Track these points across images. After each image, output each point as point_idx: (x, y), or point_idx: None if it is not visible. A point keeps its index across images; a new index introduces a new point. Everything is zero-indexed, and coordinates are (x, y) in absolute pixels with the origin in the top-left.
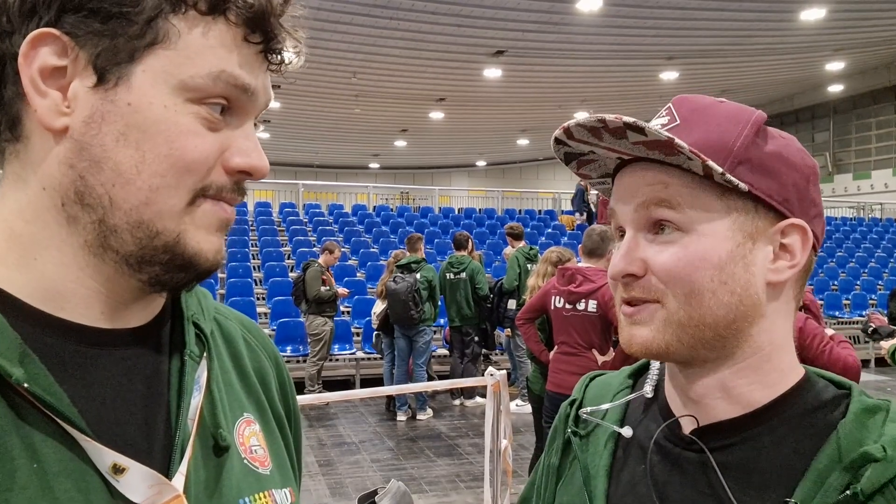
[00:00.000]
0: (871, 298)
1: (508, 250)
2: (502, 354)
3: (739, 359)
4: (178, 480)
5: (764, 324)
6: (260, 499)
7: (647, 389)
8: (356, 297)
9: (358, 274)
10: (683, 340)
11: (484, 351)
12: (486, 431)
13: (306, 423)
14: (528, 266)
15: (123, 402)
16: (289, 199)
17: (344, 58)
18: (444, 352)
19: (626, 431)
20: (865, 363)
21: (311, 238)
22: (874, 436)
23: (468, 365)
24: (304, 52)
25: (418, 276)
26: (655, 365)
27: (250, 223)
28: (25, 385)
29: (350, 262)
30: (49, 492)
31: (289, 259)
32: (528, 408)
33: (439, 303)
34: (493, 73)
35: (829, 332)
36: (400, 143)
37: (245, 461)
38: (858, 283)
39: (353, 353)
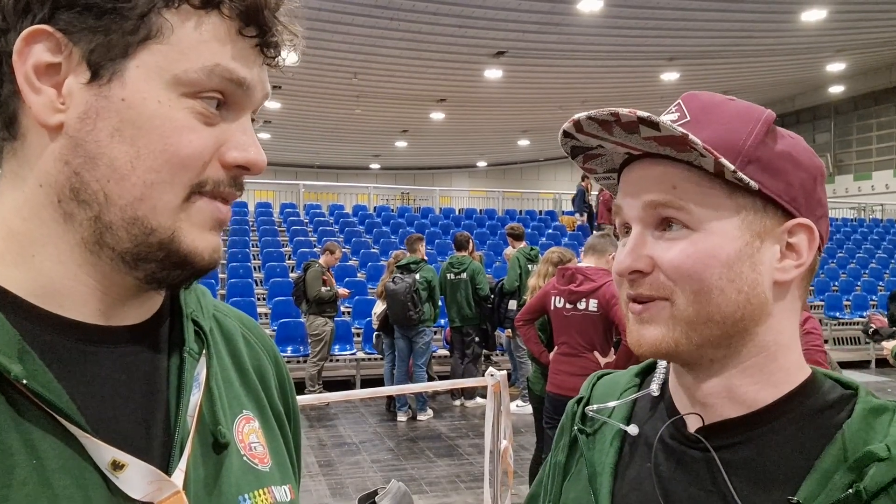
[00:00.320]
0: (871, 299)
1: (509, 251)
2: (503, 355)
3: (745, 358)
4: (178, 477)
5: (770, 323)
6: (259, 495)
7: (654, 388)
8: (357, 297)
9: (358, 274)
10: (692, 338)
11: (484, 351)
12: (487, 432)
13: (307, 424)
14: (529, 267)
15: (122, 398)
16: (289, 200)
17: (345, 58)
18: (445, 352)
19: (632, 429)
20: (866, 364)
21: (312, 238)
22: (880, 436)
23: (469, 365)
24: (302, 46)
25: (417, 276)
26: (662, 364)
27: (251, 223)
28: (24, 381)
29: (351, 262)
30: (48, 488)
31: (289, 259)
32: (528, 408)
33: (440, 303)
34: (493, 73)
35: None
36: (401, 144)
37: (244, 458)
38: (859, 284)
39: (354, 354)
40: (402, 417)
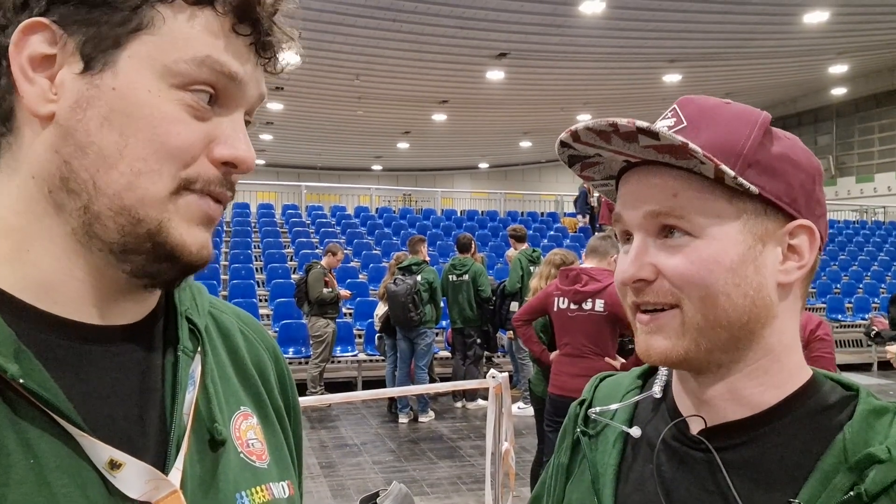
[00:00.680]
0: (873, 302)
1: (511, 252)
2: (504, 357)
3: (751, 360)
4: (175, 476)
5: (775, 324)
6: (257, 492)
7: (656, 390)
8: (358, 298)
9: (360, 276)
10: (701, 345)
11: (486, 353)
12: (488, 434)
13: (308, 425)
14: (531, 268)
15: (118, 397)
16: (291, 201)
17: (347, 60)
18: (446, 354)
19: (635, 431)
20: (867, 367)
21: (314, 240)
22: (881, 437)
23: (470, 367)
24: (300, 49)
25: (419, 278)
26: None
27: (253, 225)
28: (21, 381)
29: (352, 263)
30: (46, 487)
31: (291, 261)
32: (529, 410)
33: (441, 305)
34: (495, 75)
35: None
36: (402, 145)
37: (241, 455)
38: (861, 286)
39: (355, 355)
40: (403, 419)
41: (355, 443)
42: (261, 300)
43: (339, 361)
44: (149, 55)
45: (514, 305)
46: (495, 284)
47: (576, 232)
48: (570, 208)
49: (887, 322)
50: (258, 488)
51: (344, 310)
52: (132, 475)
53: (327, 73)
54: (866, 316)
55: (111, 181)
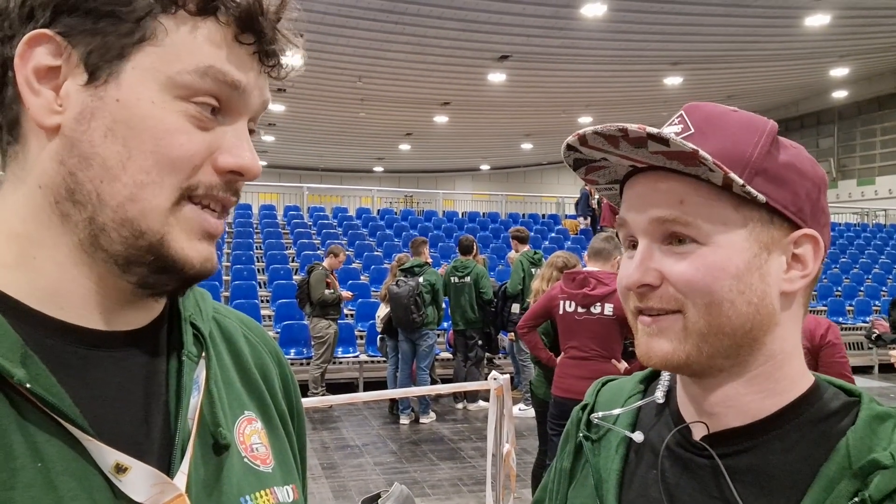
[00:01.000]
0: (874, 305)
1: (513, 254)
2: (506, 358)
3: (753, 367)
4: (180, 479)
5: (777, 332)
6: (261, 497)
7: (659, 395)
8: (360, 300)
9: (362, 277)
10: (703, 350)
11: (487, 355)
12: (489, 435)
13: (309, 426)
14: (533, 270)
15: (123, 402)
16: (293, 203)
17: (349, 62)
18: (448, 355)
19: (638, 436)
20: (869, 370)
21: (316, 241)
22: (884, 443)
23: (471, 368)
24: (304, 55)
25: (421, 279)
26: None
27: (255, 226)
28: (27, 385)
29: (354, 265)
30: (53, 490)
31: (293, 262)
32: (531, 412)
33: (443, 306)
34: (497, 77)
35: None
36: (404, 147)
37: (245, 459)
38: (862, 289)
39: (357, 356)
40: (404, 420)
41: (357, 444)
42: (262, 301)
43: (340, 362)
44: (152, 66)
45: (515, 307)
46: (497, 286)
47: (577, 234)
48: (572, 210)
49: (888, 325)
50: (262, 492)
51: (345, 311)
52: (138, 479)
53: (330, 74)
54: (867, 319)
55: (114, 193)
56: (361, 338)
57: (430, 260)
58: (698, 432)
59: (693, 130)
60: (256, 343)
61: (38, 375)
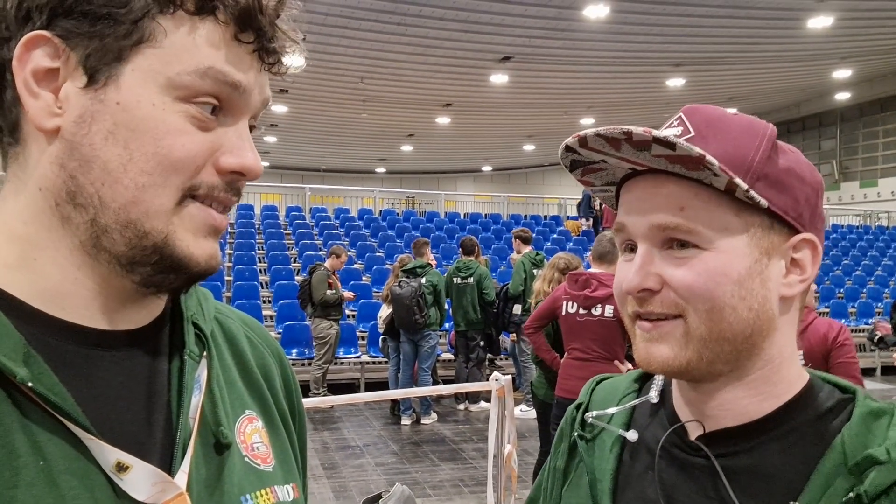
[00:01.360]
0: (877, 307)
1: (515, 256)
2: (507, 359)
3: (751, 371)
4: (181, 478)
5: (776, 336)
6: (261, 496)
7: (653, 395)
8: (361, 300)
9: (363, 278)
10: (704, 356)
11: (489, 356)
12: (491, 436)
13: (311, 427)
14: (534, 271)
15: (125, 401)
16: (295, 203)
17: (351, 63)
18: (449, 356)
19: (632, 436)
20: (871, 372)
21: (318, 242)
22: (879, 439)
23: (473, 369)
24: (303, 52)
25: (423, 280)
26: None
27: (257, 226)
28: (30, 384)
29: (356, 265)
30: (55, 489)
31: (295, 262)
32: (532, 413)
33: (445, 307)
34: (499, 78)
35: None
36: (406, 148)
37: (246, 459)
38: (864, 291)
39: (359, 357)
40: (406, 421)
41: (358, 444)
42: (264, 301)
43: (342, 363)
44: (151, 68)
45: (516, 308)
46: (498, 287)
47: (579, 235)
48: (574, 212)
49: (890, 327)
50: (263, 491)
51: (347, 311)
52: (139, 478)
53: (332, 75)
54: (870, 321)
55: (116, 195)
56: (363, 338)
57: (433, 261)
58: (694, 432)
59: (693, 133)
60: (258, 343)
61: (41, 374)
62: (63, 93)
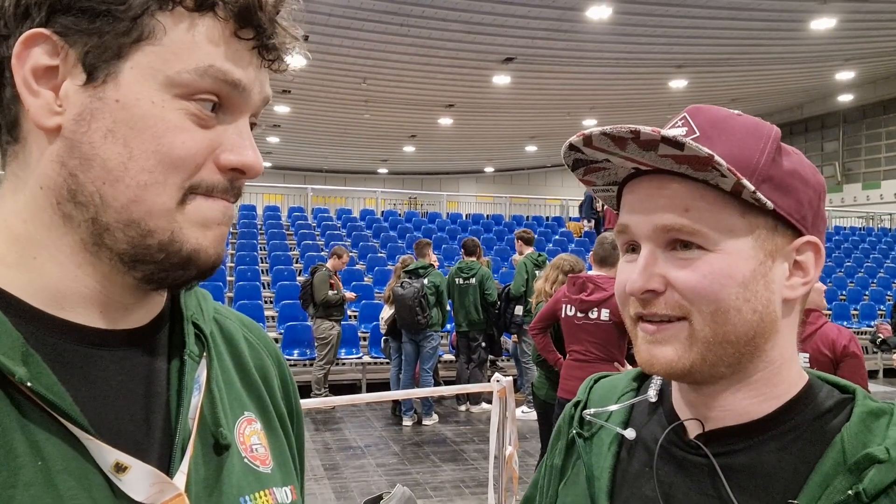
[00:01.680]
0: (879, 309)
1: (517, 257)
2: (509, 360)
3: (752, 373)
4: (180, 479)
5: (777, 339)
6: (260, 497)
7: (651, 394)
8: (363, 301)
9: (365, 279)
10: (707, 359)
11: (490, 357)
12: (492, 437)
13: (312, 427)
14: (536, 272)
15: (124, 401)
16: (298, 204)
17: (354, 63)
18: (451, 357)
19: (630, 434)
20: (873, 374)
21: (320, 242)
22: (878, 439)
23: (474, 370)
24: (303, 49)
25: (425, 281)
26: None
27: (259, 227)
28: (28, 384)
29: (358, 266)
30: (53, 489)
31: (297, 263)
32: (533, 414)
33: (448, 308)
34: (502, 79)
35: None
36: (409, 149)
37: (245, 460)
38: (867, 293)
39: (360, 358)
40: (407, 422)
41: (359, 445)
42: (266, 302)
43: (343, 364)
44: (151, 66)
45: (518, 309)
46: (500, 288)
47: (581, 236)
48: (576, 213)
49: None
50: (261, 493)
51: (349, 312)
52: (137, 478)
53: (334, 76)
54: (872, 323)
55: (117, 194)
56: (364, 339)
57: (435, 262)
58: (693, 431)
59: (698, 133)
60: (256, 344)
61: (39, 374)
62: (63, 91)
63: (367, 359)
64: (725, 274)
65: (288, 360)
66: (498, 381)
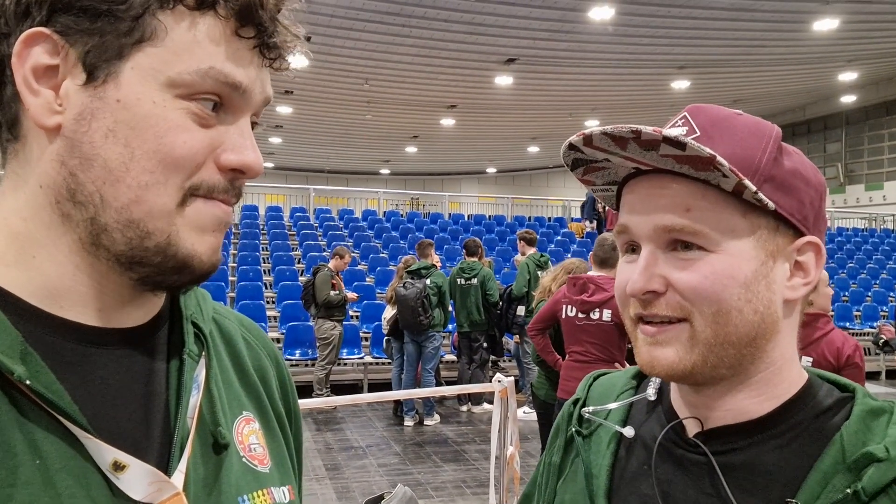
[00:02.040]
0: (882, 310)
1: (519, 257)
2: (510, 361)
3: (753, 374)
4: (178, 478)
5: (778, 339)
6: (258, 497)
7: (650, 392)
8: (365, 301)
9: (367, 279)
10: (709, 360)
11: (492, 357)
12: (493, 438)
13: (314, 427)
14: (538, 273)
15: (123, 400)
16: (300, 204)
17: (356, 64)
18: (452, 357)
19: (629, 432)
20: (876, 375)
21: (322, 243)
22: (878, 437)
23: (476, 371)
24: (307, 49)
25: (428, 281)
26: None
27: (261, 227)
28: (27, 382)
29: (360, 266)
30: (51, 488)
31: (299, 263)
32: (535, 415)
33: (450, 308)
34: (504, 80)
35: None
36: (411, 150)
37: (244, 459)
38: (870, 294)
39: (362, 358)
40: (409, 422)
41: (360, 445)
42: (268, 302)
43: (345, 364)
44: (152, 67)
45: (520, 309)
46: (502, 288)
47: (583, 237)
48: (578, 214)
49: (895, 330)
50: (260, 492)
51: (350, 312)
52: (136, 477)
53: (337, 77)
54: (874, 324)
55: (118, 194)
56: (366, 339)
57: (437, 262)
58: (691, 429)
59: (699, 133)
60: (255, 345)
61: (38, 372)
62: (63, 90)
63: (368, 359)
64: (727, 275)
65: (289, 360)
66: (499, 381)
